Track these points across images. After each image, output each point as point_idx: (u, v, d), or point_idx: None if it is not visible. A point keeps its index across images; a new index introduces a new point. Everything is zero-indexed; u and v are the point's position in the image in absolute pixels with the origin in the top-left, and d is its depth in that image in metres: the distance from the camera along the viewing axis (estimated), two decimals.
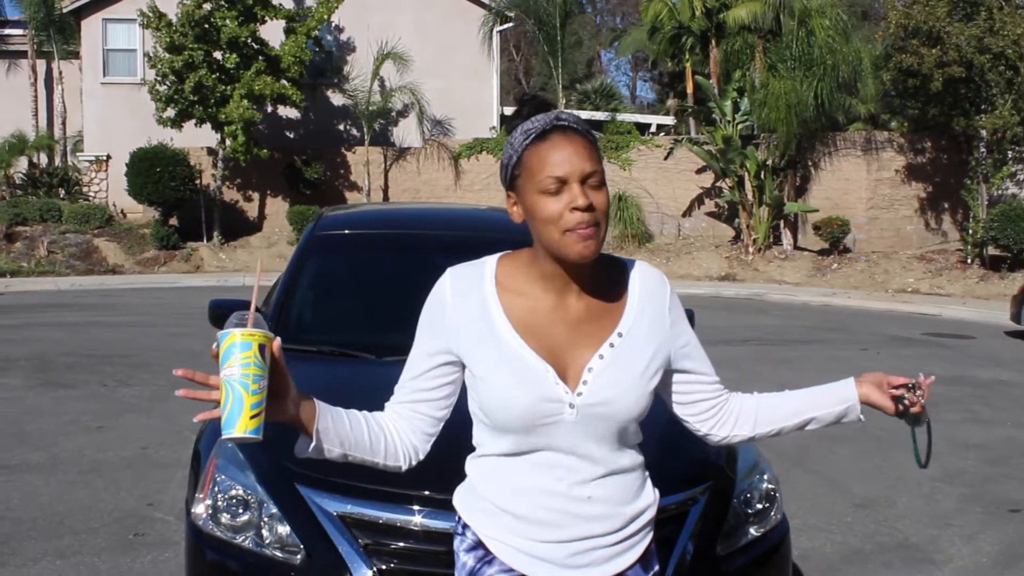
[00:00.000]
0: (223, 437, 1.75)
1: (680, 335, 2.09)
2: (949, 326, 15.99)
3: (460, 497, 2.14)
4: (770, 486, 3.49)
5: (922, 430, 2.21)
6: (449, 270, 2.05)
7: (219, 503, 3.22)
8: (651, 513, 2.12)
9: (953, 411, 9.13)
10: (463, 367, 2.02)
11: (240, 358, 1.73)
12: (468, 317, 1.98)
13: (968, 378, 10.93)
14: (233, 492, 3.22)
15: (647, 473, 2.14)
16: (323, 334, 4.52)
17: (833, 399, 2.16)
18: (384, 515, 3.01)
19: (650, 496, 2.13)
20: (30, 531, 5.28)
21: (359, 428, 1.99)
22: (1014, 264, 20.82)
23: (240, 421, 1.73)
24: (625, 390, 1.96)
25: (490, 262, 2.04)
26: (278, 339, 1.81)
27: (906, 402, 2.13)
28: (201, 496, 3.29)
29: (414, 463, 2.09)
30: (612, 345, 1.98)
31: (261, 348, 1.75)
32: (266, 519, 3.14)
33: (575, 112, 2.04)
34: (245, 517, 3.18)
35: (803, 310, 17.96)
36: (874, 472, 7.01)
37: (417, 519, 2.98)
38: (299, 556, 3.03)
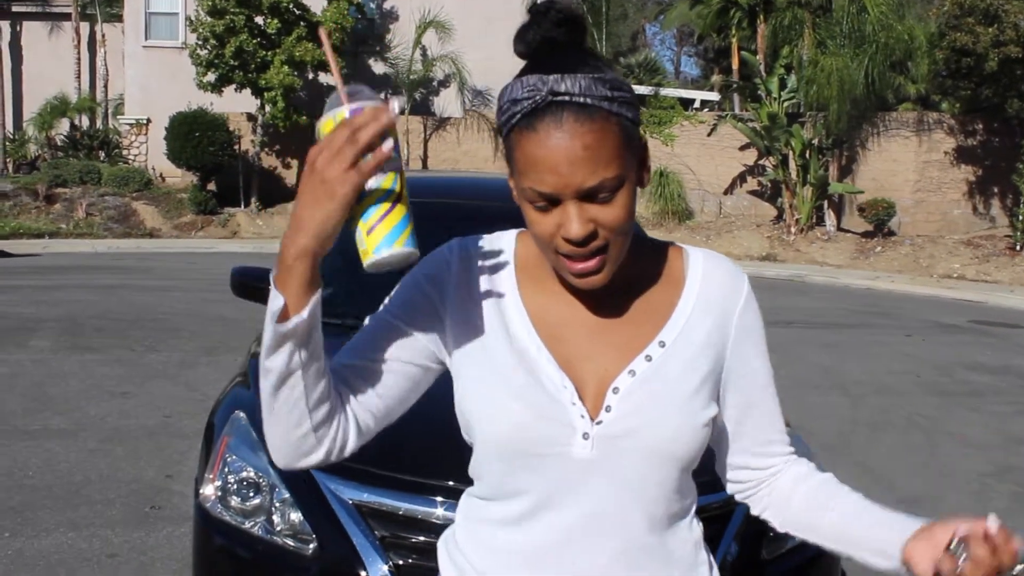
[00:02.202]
0: (406, 251, 1.23)
1: (745, 361, 1.49)
2: (996, 314, 15.57)
3: (443, 540, 1.59)
4: None
5: None
6: (456, 240, 1.48)
7: (229, 485, 3.03)
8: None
9: (1002, 403, 8.80)
10: (439, 370, 1.47)
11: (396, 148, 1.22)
12: (475, 297, 1.44)
13: (1016, 367, 10.57)
14: (244, 474, 3.03)
15: (706, 556, 1.52)
16: (347, 306, 4.31)
17: (874, 546, 1.44)
18: (404, 506, 2.79)
19: (677, 569, 1.47)
20: (45, 499, 5.15)
21: (322, 369, 1.32)
22: None
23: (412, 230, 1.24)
24: (660, 418, 1.38)
25: (507, 238, 1.50)
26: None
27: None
28: (211, 477, 3.10)
29: (333, 458, 1.40)
30: (649, 358, 1.41)
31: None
32: (278, 504, 2.94)
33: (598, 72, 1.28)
34: (256, 501, 2.99)
35: (845, 293, 17.57)
36: (920, 466, 6.72)
37: (440, 512, 2.76)
38: (311, 546, 2.83)
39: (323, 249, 1.22)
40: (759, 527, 3.00)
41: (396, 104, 1.25)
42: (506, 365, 1.40)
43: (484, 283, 1.45)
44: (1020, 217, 21.20)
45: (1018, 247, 21.18)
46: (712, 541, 2.80)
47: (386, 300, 1.48)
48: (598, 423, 1.37)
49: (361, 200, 1.21)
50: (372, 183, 1.20)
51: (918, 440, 7.37)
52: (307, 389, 1.31)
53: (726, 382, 1.48)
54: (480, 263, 1.46)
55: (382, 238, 1.22)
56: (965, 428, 7.77)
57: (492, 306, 1.44)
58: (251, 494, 3.00)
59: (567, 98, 1.27)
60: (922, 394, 8.97)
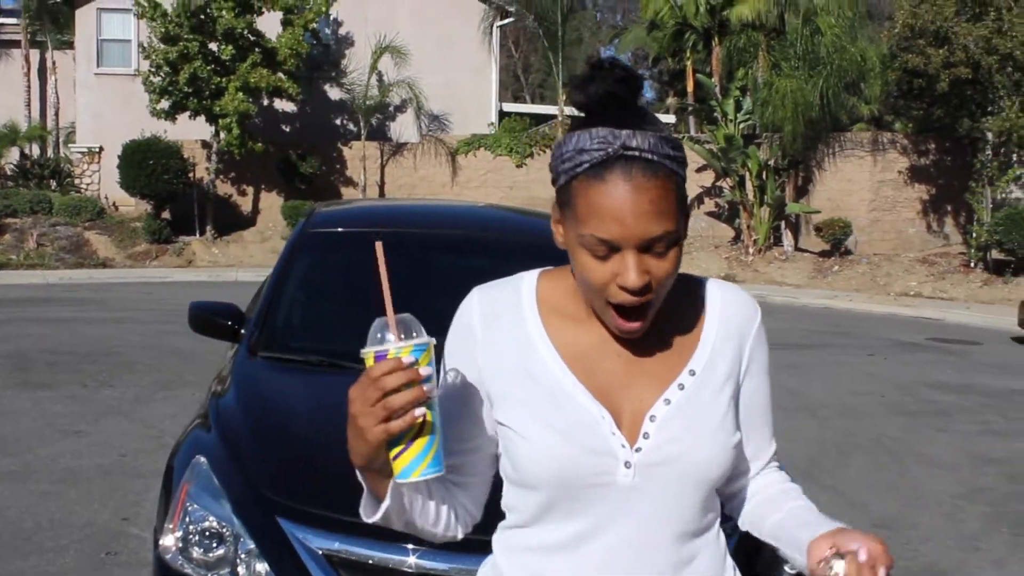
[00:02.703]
0: (426, 477, 1.35)
1: (754, 383, 1.59)
2: (954, 331, 15.69)
3: (482, 574, 1.65)
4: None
5: None
6: (476, 290, 1.56)
7: (190, 536, 2.87)
8: None
9: (967, 422, 8.81)
10: None
11: (435, 377, 1.35)
12: (503, 346, 1.51)
13: (978, 386, 10.61)
14: (206, 524, 2.87)
15: (731, 563, 1.60)
16: (312, 342, 4.16)
17: (794, 544, 1.51)
18: (375, 554, 2.66)
19: None
20: None
21: (423, 493, 1.49)
22: (1018, 269, 20.52)
23: (443, 455, 1.37)
24: (696, 444, 1.46)
25: (528, 279, 1.57)
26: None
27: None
28: (171, 527, 2.93)
29: (470, 529, 1.59)
30: (682, 387, 1.49)
31: None
32: (243, 555, 2.79)
33: (657, 128, 1.40)
34: (219, 552, 2.83)
35: (805, 313, 17.63)
36: (890, 488, 6.67)
37: (412, 560, 2.63)
38: None
39: (377, 465, 1.37)
40: (747, 566, 2.91)
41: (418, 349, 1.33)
42: (544, 404, 1.47)
43: (509, 329, 1.52)
44: (973, 235, 21.45)
45: (972, 264, 21.41)
46: None
47: (441, 376, 1.55)
48: (637, 450, 1.45)
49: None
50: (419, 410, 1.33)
51: (887, 462, 7.34)
52: (424, 519, 1.50)
53: (740, 404, 1.57)
54: (502, 310, 1.54)
55: (404, 466, 1.34)
56: (932, 449, 7.75)
57: (521, 348, 1.51)
58: (214, 545, 2.85)
59: (637, 153, 1.35)
60: (887, 415, 8.96)
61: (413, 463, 1.33)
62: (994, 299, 19.72)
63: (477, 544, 2.47)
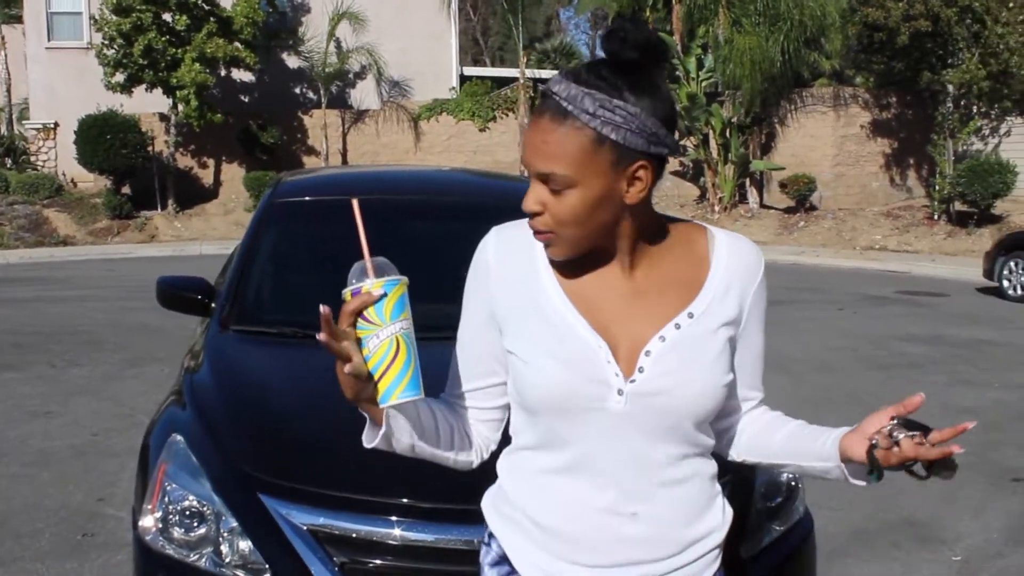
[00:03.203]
0: (409, 399, 1.50)
1: (751, 332, 1.70)
2: (921, 283, 15.83)
3: (488, 500, 1.79)
4: (791, 478, 3.12)
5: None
6: (494, 229, 1.72)
7: (170, 516, 2.80)
8: (717, 538, 1.73)
9: (937, 372, 8.88)
10: None
11: (408, 310, 1.50)
12: (513, 281, 1.66)
13: (947, 337, 10.71)
14: (186, 503, 2.80)
15: (719, 487, 1.74)
16: (285, 314, 4.07)
17: (817, 452, 1.69)
18: (361, 528, 2.61)
19: (718, 517, 1.73)
20: None
21: (429, 419, 1.67)
22: (981, 220, 20.70)
23: (420, 381, 1.51)
24: (687, 380, 1.58)
25: None
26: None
27: (878, 451, 1.59)
28: (149, 507, 2.86)
29: (485, 456, 1.77)
30: (679, 326, 1.60)
31: None
32: (225, 534, 2.72)
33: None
34: (201, 531, 2.76)
35: (772, 269, 17.49)
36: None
37: (397, 532, 2.58)
38: None
39: (365, 396, 1.51)
40: (735, 527, 2.89)
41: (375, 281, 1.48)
42: (547, 335, 1.60)
43: (520, 265, 1.66)
44: (936, 187, 21.60)
45: (936, 216, 21.57)
46: None
47: (463, 309, 1.75)
48: (631, 381, 1.57)
49: (368, 360, 1.48)
50: (371, 346, 1.47)
51: (862, 416, 7.31)
52: (430, 441, 1.66)
53: (735, 349, 1.68)
54: (515, 248, 1.67)
55: (383, 391, 1.49)
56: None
57: (530, 284, 1.65)
58: (195, 524, 2.78)
59: (556, 98, 1.50)
60: (861, 369, 9.01)
61: (390, 388, 1.48)
62: (958, 251, 19.90)
63: (462, 513, 2.43)
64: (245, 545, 2.68)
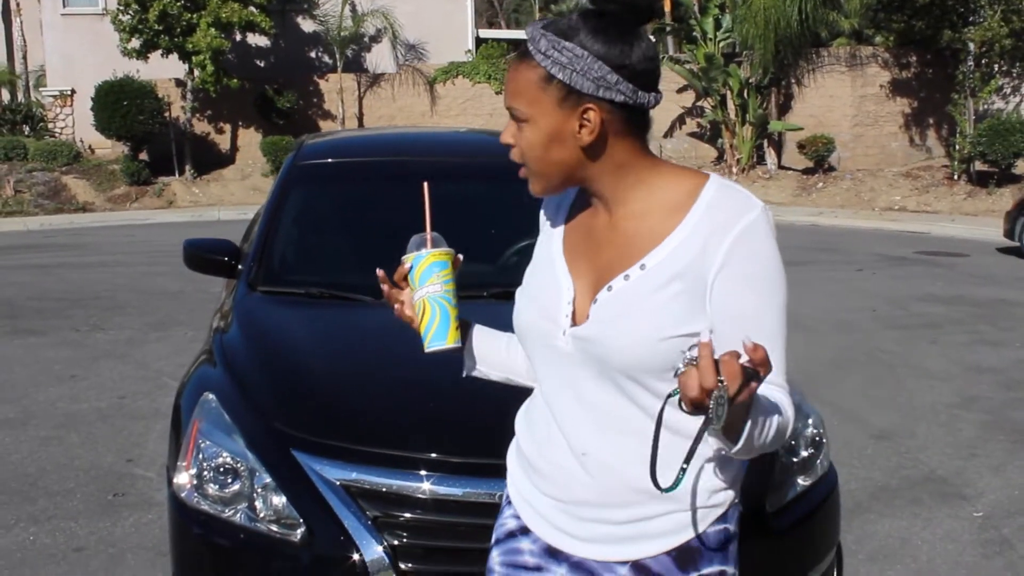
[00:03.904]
0: (431, 349, 1.81)
1: (725, 283, 1.57)
2: (940, 244, 15.73)
3: (509, 452, 1.98)
4: (816, 431, 3.16)
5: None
6: None
7: (204, 472, 2.86)
8: (689, 501, 1.66)
9: (959, 332, 8.86)
10: None
11: (440, 276, 1.80)
12: (546, 229, 1.85)
13: (967, 297, 10.67)
14: (220, 460, 2.85)
15: (707, 450, 1.66)
16: (311, 275, 4.12)
17: None
18: (391, 482, 2.66)
19: (705, 478, 1.67)
20: (0, 495, 4.90)
21: (515, 350, 1.91)
22: (1002, 179, 20.51)
23: (450, 333, 1.80)
24: (622, 332, 1.60)
25: None
26: (460, 256, 1.83)
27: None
28: (184, 464, 2.92)
29: None
30: (627, 277, 1.63)
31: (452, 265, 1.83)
32: (259, 489, 2.78)
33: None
34: (235, 487, 2.82)
35: (791, 230, 17.62)
36: (887, 400, 6.72)
37: (426, 485, 2.63)
38: (299, 531, 2.68)
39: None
40: (761, 481, 2.92)
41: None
42: (534, 275, 1.81)
43: (557, 211, 1.83)
44: (956, 147, 21.39)
45: (955, 176, 21.39)
46: None
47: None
48: (577, 326, 1.67)
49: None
50: (416, 296, 1.82)
51: (882, 375, 7.38)
52: (519, 375, 1.93)
53: (710, 307, 1.59)
54: (555, 197, 1.82)
55: (421, 336, 1.82)
56: (926, 360, 7.81)
57: (552, 229, 1.82)
58: (229, 480, 2.83)
59: (527, 43, 1.63)
60: (880, 329, 9.00)
61: (423, 338, 1.81)
62: (978, 211, 19.75)
63: (489, 468, 2.47)
64: (279, 500, 2.73)
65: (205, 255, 4.19)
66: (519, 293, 1.82)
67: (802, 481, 3.04)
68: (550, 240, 1.80)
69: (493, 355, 1.93)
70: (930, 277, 12.09)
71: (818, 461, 3.12)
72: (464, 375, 1.95)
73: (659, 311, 1.58)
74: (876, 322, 9.29)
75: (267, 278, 3.94)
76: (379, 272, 1.88)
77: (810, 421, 3.16)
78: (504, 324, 1.92)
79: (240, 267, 4.10)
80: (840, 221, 18.90)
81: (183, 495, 2.87)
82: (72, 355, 7.88)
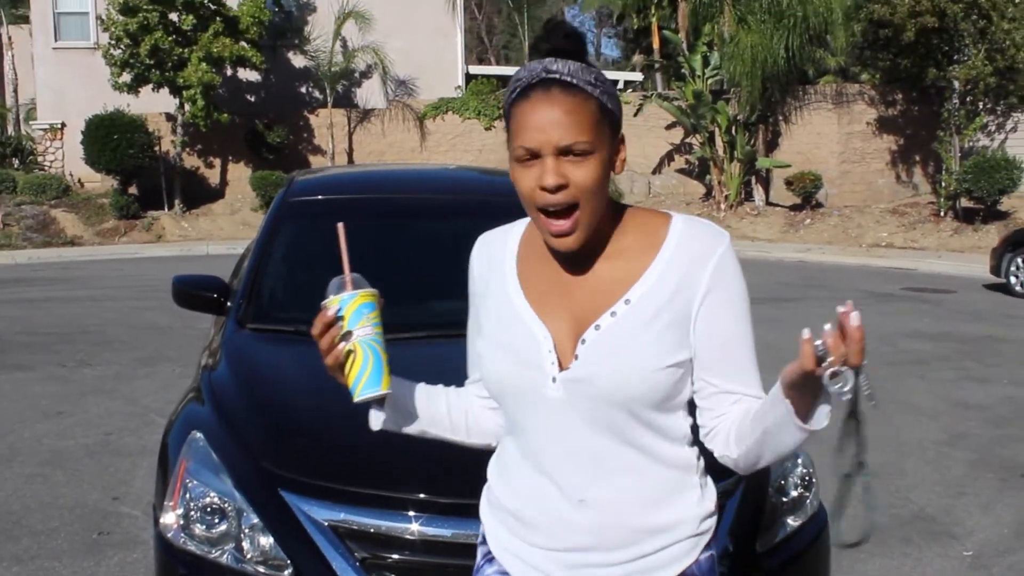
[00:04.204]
0: (364, 397, 1.70)
1: (709, 309, 1.62)
2: (927, 280, 15.82)
3: (481, 499, 1.92)
4: (806, 470, 3.15)
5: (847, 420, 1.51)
6: (480, 237, 1.86)
7: (191, 512, 2.83)
8: (685, 531, 1.69)
9: (946, 368, 8.89)
10: None
11: (370, 318, 1.70)
12: (490, 282, 1.79)
13: (955, 334, 10.71)
14: (207, 499, 2.83)
15: (695, 479, 1.71)
16: (301, 312, 4.08)
17: (768, 406, 1.59)
18: (380, 523, 2.63)
19: (690, 507, 1.69)
20: None
21: (439, 405, 1.87)
22: (988, 216, 20.68)
23: (384, 378, 1.70)
24: (617, 367, 1.60)
25: (520, 224, 1.81)
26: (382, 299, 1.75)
27: (821, 351, 1.44)
28: (171, 504, 2.89)
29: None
30: (614, 314, 1.63)
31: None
32: (247, 530, 2.75)
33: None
34: (222, 528, 2.79)
35: (779, 266, 17.71)
36: (875, 437, 6.65)
37: (415, 527, 2.61)
38: (287, 572, 2.65)
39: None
40: (751, 521, 2.91)
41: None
42: (501, 325, 1.73)
43: (496, 268, 1.78)
44: (942, 184, 21.56)
45: (942, 213, 21.55)
46: None
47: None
48: (566, 369, 1.64)
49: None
50: (337, 350, 1.69)
51: (870, 411, 7.37)
52: (439, 427, 1.88)
53: (697, 344, 1.64)
54: (494, 252, 1.80)
55: (350, 389, 1.71)
56: (913, 397, 7.82)
57: (501, 282, 1.76)
58: (216, 521, 2.81)
59: (557, 76, 1.58)
60: (869, 366, 8.99)
61: (352, 387, 1.69)
62: (965, 247, 19.89)
63: (478, 509, 2.46)
64: (266, 541, 2.71)
65: (194, 292, 4.18)
66: (488, 348, 1.74)
67: (792, 521, 3.03)
68: (503, 292, 1.74)
69: (428, 407, 1.86)
70: (917, 313, 12.14)
71: (808, 501, 3.11)
72: (375, 428, 1.83)
73: (651, 343, 1.60)
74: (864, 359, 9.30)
75: (256, 315, 3.93)
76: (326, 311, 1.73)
77: (799, 460, 3.16)
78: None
79: (229, 304, 4.09)
80: (828, 257, 18.99)
81: (169, 535, 2.84)
82: (59, 391, 7.84)
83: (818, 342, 1.45)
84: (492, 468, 1.85)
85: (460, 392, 1.91)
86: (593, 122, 1.57)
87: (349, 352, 1.68)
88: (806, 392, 1.51)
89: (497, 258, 1.78)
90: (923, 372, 8.72)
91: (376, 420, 1.82)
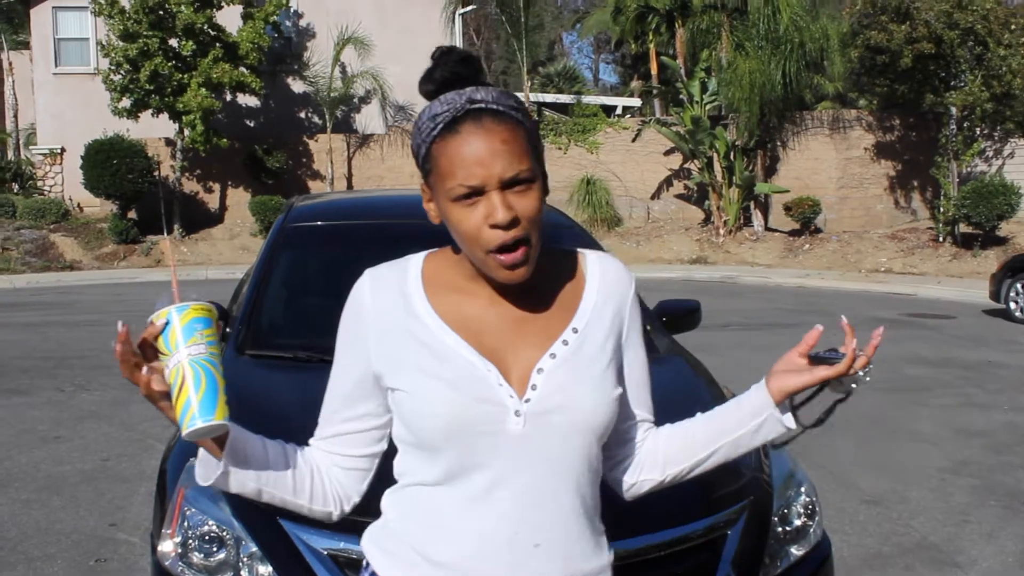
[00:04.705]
0: (196, 428, 1.42)
1: (633, 346, 1.69)
2: (927, 306, 15.81)
3: (370, 537, 1.70)
4: (809, 499, 3.13)
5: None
6: (367, 271, 1.65)
7: (189, 540, 2.80)
8: (609, 558, 1.68)
9: (947, 395, 8.87)
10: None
11: (204, 335, 1.45)
12: (390, 321, 1.58)
13: (956, 360, 10.69)
14: (206, 528, 2.80)
15: (600, 524, 1.68)
16: (300, 338, 4.09)
17: (746, 412, 1.67)
18: None
19: (605, 556, 1.66)
20: None
21: (280, 460, 1.60)
22: (986, 242, 20.71)
23: (219, 405, 1.44)
24: (582, 394, 1.56)
25: (415, 259, 1.65)
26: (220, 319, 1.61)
27: (829, 357, 1.65)
28: (169, 532, 2.86)
29: (347, 510, 1.69)
30: (566, 343, 1.58)
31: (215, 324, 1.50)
32: (245, 559, 2.73)
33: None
34: (220, 556, 2.77)
35: (777, 292, 17.71)
36: (878, 464, 6.69)
37: None
38: None
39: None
40: (754, 551, 2.89)
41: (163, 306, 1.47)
42: (433, 364, 1.54)
43: (397, 303, 1.60)
44: (940, 209, 21.61)
45: (941, 238, 21.58)
46: (706, 570, 2.69)
47: (335, 353, 1.66)
48: (527, 401, 1.53)
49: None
50: (166, 375, 1.44)
51: (873, 438, 7.36)
52: (280, 488, 1.60)
53: (625, 366, 1.67)
54: (390, 286, 1.61)
55: (179, 421, 1.43)
56: (916, 423, 7.79)
57: (409, 320, 1.58)
58: (215, 549, 2.78)
59: (483, 104, 1.50)
60: (869, 391, 8.91)
61: (181, 417, 1.42)
62: (964, 273, 19.90)
63: None
64: (265, 570, 2.68)
65: None
66: (427, 387, 1.54)
67: (795, 551, 3.00)
68: (422, 329, 1.56)
69: (267, 459, 1.59)
70: (918, 339, 12.12)
71: (811, 530, 3.08)
72: (207, 482, 1.53)
73: (604, 371, 1.60)
74: (865, 384, 9.27)
75: (255, 341, 3.91)
76: (120, 328, 1.44)
77: (803, 489, 3.14)
78: None
79: (228, 330, 4.07)
80: (827, 283, 18.99)
81: (167, 563, 2.81)
82: (56, 415, 7.81)
83: (827, 350, 1.64)
84: (399, 521, 1.63)
85: (302, 449, 1.67)
86: (528, 148, 1.50)
87: (178, 373, 1.42)
88: (788, 392, 1.65)
89: (395, 295, 1.60)
90: (923, 398, 8.70)
91: (207, 469, 1.53)
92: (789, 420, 1.66)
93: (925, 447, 7.11)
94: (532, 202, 1.50)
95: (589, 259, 1.68)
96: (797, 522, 3.05)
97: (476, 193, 1.47)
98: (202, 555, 2.78)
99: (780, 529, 2.98)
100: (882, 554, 5.06)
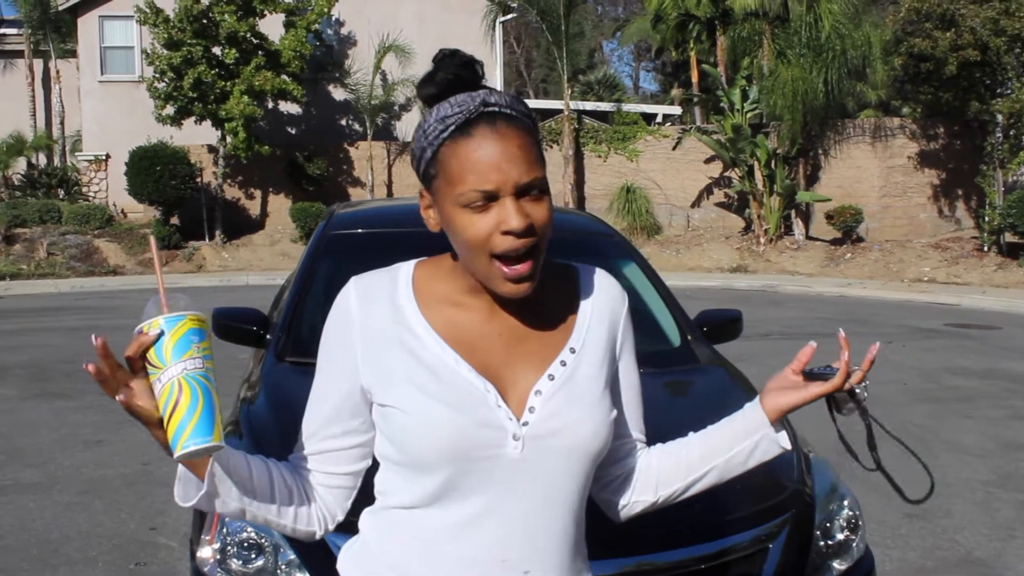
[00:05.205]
0: (190, 450, 1.32)
1: (627, 364, 1.65)
2: (971, 316, 15.57)
3: (347, 558, 1.64)
4: (852, 512, 3.08)
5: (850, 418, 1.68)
6: (353, 279, 1.57)
7: (228, 547, 2.81)
8: None
9: (993, 407, 8.72)
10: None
11: (199, 348, 1.34)
12: (380, 330, 1.50)
13: (1001, 371, 10.52)
14: (244, 535, 2.81)
15: (586, 549, 1.64)
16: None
17: (740, 431, 1.64)
18: None
19: None
20: (22, 561, 4.87)
21: (264, 480, 1.50)
22: None
23: (216, 425, 1.34)
24: (580, 418, 1.50)
25: (405, 268, 1.58)
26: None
27: (824, 373, 1.63)
28: (207, 538, 2.88)
29: (331, 528, 1.62)
30: (564, 363, 1.53)
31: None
32: (283, 566, 2.73)
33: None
34: (259, 563, 2.77)
35: (819, 301, 17.54)
36: (921, 477, 6.56)
37: None
38: None
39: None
40: (796, 565, 2.85)
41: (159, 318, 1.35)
42: (428, 380, 1.47)
43: (387, 313, 1.52)
44: (985, 218, 21.31)
45: (985, 248, 21.28)
46: None
47: (318, 366, 1.58)
48: (524, 424, 1.47)
49: (160, 408, 1.33)
50: (156, 391, 1.33)
51: (915, 450, 7.24)
52: (263, 509, 1.51)
53: (619, 387, 1.63)
54: (379, 296, 1.53)
55: (171, 440, 1.32)
56: (960, 436, 7.67)
57: (401, 331, 1.51)
58: (253, 556, 2.79)
59: (497, 108, 1.43)
60: (912, 402, 8.88)
61: (176, 436, 1.31)
62: (1009, 283, 19.59)
63: None
64: None
65: (234, 324, 4.19)
66: (424, 407, 1.46)
67: (838, 565, 2.96)
68: (416, 343, 1.49)
69: (256, 482, 1.50)
70: (962, 350, 11.94)
71: (854, 544, 3.04)
72: (187, 503, 1.45)
73: (603, 393, 1.55)
74: (907, 395, 9.17)
75: (296, 348, 3.92)
76: (96, 342, 1.33)
77: (845, 503, 3.10)
78: None
79: (268, 336, 4.09)
80: (869, 292, 18.78)
81: (206, 569, 2.82)
82: (99, 419, 7.89)
83: (822, 366, 1.64)
84: (379, 542, 1.57)
85: (289, 468, 1.58)
86: (540, 156, 1.45)
87: (173, 388, 1.31)
88: (783, 410, 1.64)
89: (384, 307, 1.52)
90: (969, 410, 8.56)
91: (187, 489, 1.44)
92: (784, 440, 1.64)
93: (970, 460, 6.99)
94: (545, 211, 1.44)
95: (583, 274, 1.63)
96: (840, 536, 3.01)
97: (490, 199, 1.40)
98: (240, 562, 2.79)
99: (822, 543, 2.94)
100: (925, 569, 4.97)
